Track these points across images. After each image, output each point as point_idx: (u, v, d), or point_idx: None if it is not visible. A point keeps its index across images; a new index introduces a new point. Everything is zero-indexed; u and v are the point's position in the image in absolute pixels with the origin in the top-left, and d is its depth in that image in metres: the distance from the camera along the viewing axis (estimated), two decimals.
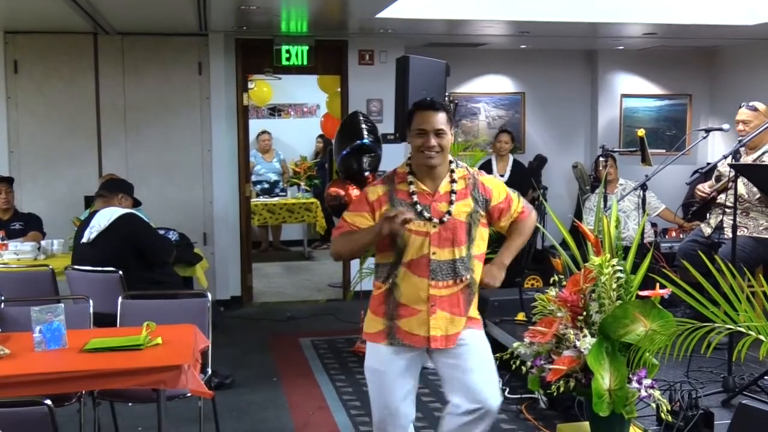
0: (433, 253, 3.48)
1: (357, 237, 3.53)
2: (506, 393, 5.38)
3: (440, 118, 3.48)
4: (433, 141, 3.44)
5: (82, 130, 8.00)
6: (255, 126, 10.98)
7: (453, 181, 3.53)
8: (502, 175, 8.22)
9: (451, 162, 3.58)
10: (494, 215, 3.63)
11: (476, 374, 3.58)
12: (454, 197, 3.50)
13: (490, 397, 3.58)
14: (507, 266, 3.71)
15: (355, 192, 6.35)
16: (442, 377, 3.67)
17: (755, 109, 5.58)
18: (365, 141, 6.30)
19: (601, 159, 7.03)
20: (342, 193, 6.38)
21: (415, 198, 3.49)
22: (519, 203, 3.68)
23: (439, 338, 3.54)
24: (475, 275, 3.60)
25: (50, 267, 5.64)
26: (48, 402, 2.82)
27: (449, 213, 3.48)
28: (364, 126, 6.39)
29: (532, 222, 3.75)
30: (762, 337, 2.76)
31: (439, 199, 3.50)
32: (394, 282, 3.53)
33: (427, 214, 3.47)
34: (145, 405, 4.37)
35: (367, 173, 6.33)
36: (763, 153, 5.53)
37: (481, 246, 3.62)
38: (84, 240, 5.45)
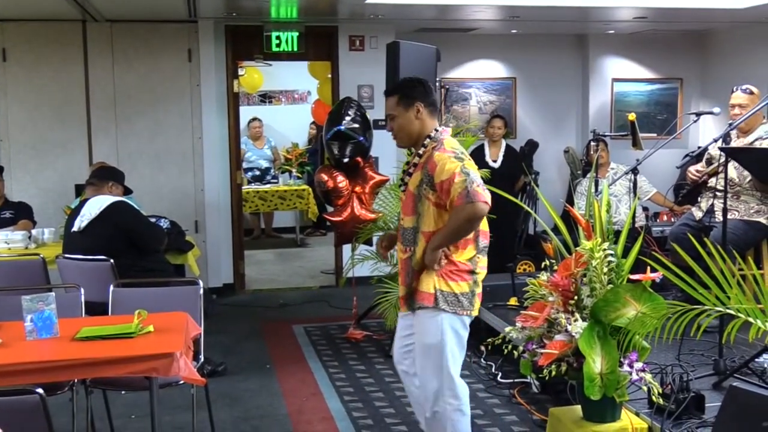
0: (401, 219, 3.81)
1: None
2: (499, 377, 5.40)
3: (389, 103, 3.79)
4: (389, 125, 3.82)
5: (72, 118, 7.96)
6: (246, 113, 10.93)
7: (419, 155, 3.76)
8: (495, 161, 8.22)
9: (429, 136, 3.75)
10: (441, 194, 3.58)
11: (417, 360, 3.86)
12: (412, 169, 3.76)
13: (421, 378, 3.84)
14: (434, 251, 3.60)
15: (340, 179, 6.36)
16: None
17: (751, 93, 5.57)
18: (341, 127, 6.31)
19: (592, 143, 7.04)
20: (326, 178, 6.39)
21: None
22: (459, 189, 3.50)
23: (401, 300, 3.89)
24: (417, 249, 3.71)
25: (41, 256, 5.63)
26: (40, 391, 2.81)
27: (405, 183, 3.79)
28: (347, 112, 6.39)
29: (465, 215, 3.51)
30: (751, 320, 2.77)
31: (409, 169, 3.81)
32: None
33: (403, 185, 3.85)
34: (138, 393, 4.37)
35: (346, 159, 6.33)
36: (757, 139, 5.53)
37: (428, 224, 3.66)
38: (75, 228, 5.44)
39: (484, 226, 3.73)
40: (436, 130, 3.76)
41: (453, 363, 3.74)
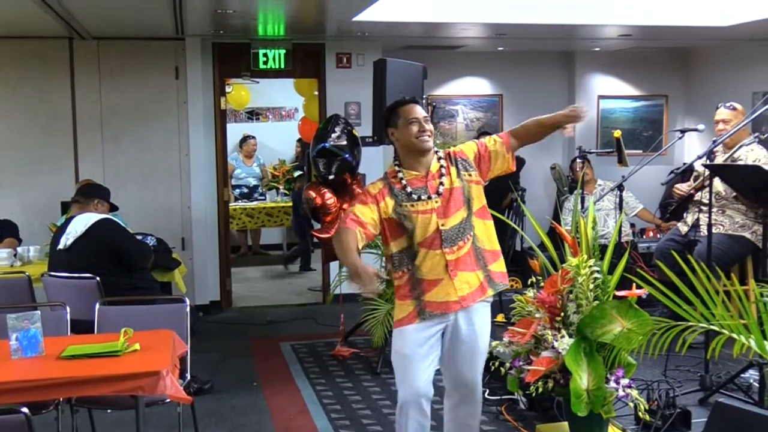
0: (442, 225, 3.77)
1: (345, 249, 3.70)
2: (486, 394, 5.39)
3: (423, 110, 3.93)
4: (426, 126, 3.85)
5: (58, 135, 7.94)
6: (233, 130, 10.94)
7: (440, 159, 3.89)
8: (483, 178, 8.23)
9: (435, 149, 3.96)
10: (483, 164, 3.92)
11: (467, 357, 3.85)
12: (443, 170, 3.85)
13: (472, 380, 3.87)
14: None
15: (328, 196, 6.37)
16: (449, 345, 3.86)
17: (734, 109, 5.65)
18: (326, 144, 6.33)
19: (578, 160, 7.07)
20: (314, 195, 6.39)
21: (408, 189, 3.80)
22: (492, 137, 3.98)
23: (467, 296, 3.80)
24: (476, 231, 3.84)
25: (26, 274, 5.59)
26: (25, 410, 2.79)
27: (442, 184, 3.81)
28: (333, 129, 6.41)
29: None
30: (735, 336, 2.79)
31: (432, 178, 3.83)
32: (415, 265, 3.80)
33: (425, 195, 3.79)
34: (124, 411, 4.34)
35: (332, 176, 6.35)
36: (741, 146, 5.59)
37: (478, 203, 3.89)
38: (60, 246, 5.42)
39: None
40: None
41: None
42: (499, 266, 3.90)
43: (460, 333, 3.82)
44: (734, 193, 5.55)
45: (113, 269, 5.39)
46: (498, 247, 3.94)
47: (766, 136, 5.78)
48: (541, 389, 3.55)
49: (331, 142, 6.35)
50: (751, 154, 5.56)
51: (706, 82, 9.52)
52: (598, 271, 3.61)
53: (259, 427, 5.11)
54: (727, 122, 5.62)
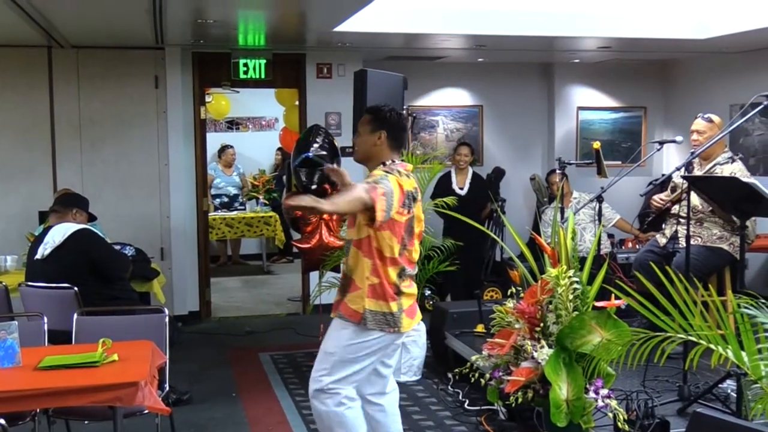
0: (344, 233, 3.92)
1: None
2: (466, 405, 5.39)
3: (362, 119, 3.94)
4: (355, 140, 4.00)
5: (37, 144, 7.89)
6: (213, 139, 10.91)
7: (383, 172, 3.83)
8: (461, 188, 8.27)
9: (383, 163, 3.85)
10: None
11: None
12: None
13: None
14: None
15: None
16: None
17: (710, 121, 5.70)
18: (309, 154, 6.33)
19: (557, 171, 7.11)
20: None
21: None
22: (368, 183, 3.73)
23: (333, 305, 3.97)
24: (350, 258, 3.83)
25: (3, 283, 5.54)
26: (1, 421, 2.78)
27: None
28: (314, 139, 6.41)
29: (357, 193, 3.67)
30: (712, 347, 2.81)
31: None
32: None
33: None
34: (102, 423, 4.30)
35: (314, 186, 6.34)
36: (715, 164, 5.64)
37: (362, 233, 3.74)
38: (38, 256, 5.38)
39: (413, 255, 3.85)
40: (393, 161, 3.87)
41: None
42: (352, 300, 3.82)
43: None
44: (710, 208, 5.60)
45: (91, 279, 5.36)
46: (362, 284, 3.80)
47: (740, 156, 5.83)
48: (520, 399, 3.56)
49: (314, 152, 6.35)
50: (726, 167, 5.61)
51: (684, 94, 9.60)
52: (577, 282, 3.63)
53: None
54: (701, 133, 5.66)
